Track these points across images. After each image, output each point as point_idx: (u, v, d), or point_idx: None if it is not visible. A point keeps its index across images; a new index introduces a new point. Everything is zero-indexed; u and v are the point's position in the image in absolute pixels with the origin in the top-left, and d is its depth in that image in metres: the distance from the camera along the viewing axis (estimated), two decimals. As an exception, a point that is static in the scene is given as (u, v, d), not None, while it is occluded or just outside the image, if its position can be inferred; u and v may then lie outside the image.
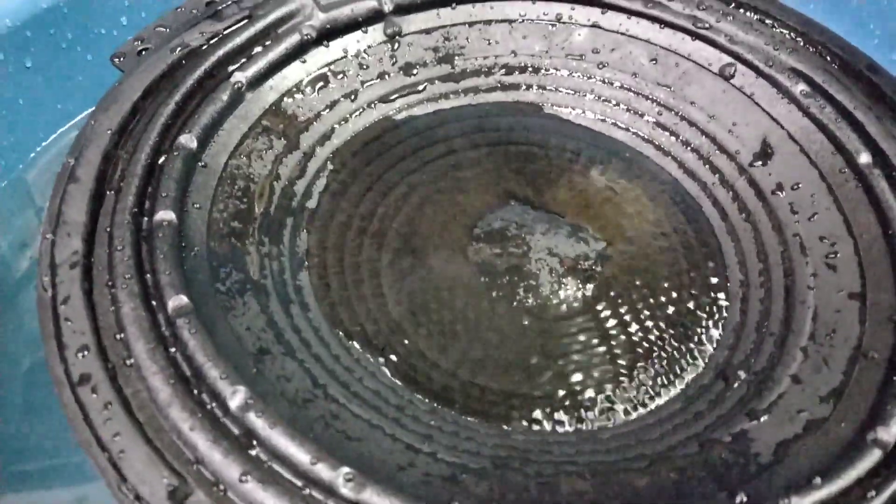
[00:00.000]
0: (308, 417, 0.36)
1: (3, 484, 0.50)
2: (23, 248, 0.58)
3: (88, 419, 0.33)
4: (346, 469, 0.32)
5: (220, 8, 0.51)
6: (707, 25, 0.52)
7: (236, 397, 0.33)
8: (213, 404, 0.34)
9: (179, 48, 0.48)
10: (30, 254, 0.58)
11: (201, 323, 0.36)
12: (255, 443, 0.33)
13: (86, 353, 0.35)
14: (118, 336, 0.36)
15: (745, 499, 0.33)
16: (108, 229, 0.40)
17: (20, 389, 0.54)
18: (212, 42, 0.49)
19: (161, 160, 0.43)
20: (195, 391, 0.34)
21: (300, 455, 0.32)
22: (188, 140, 0.44)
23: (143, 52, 0.49)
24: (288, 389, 0.38)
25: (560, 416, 0.41)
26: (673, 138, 0.53)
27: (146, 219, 0.40)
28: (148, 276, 0.38)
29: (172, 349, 0.35)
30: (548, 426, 0.41)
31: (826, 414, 0.38)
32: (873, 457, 0.34)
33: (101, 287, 0.38)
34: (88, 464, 0.34)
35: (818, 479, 0.33)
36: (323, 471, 0.32)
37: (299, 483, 0.32)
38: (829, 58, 0.51)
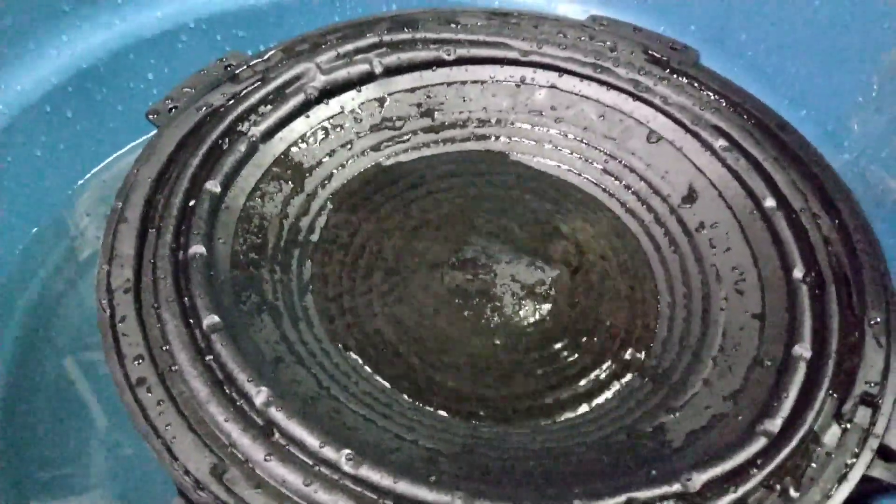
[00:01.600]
0: (316, 412, 0.45)
1: (27, 491, 0.57)
2: (58, 272, 0.66)
3: (146, 414, 0.41)
4: (347, 451, 0.40)
5: (237, 72, 0.60)
6: (646, 88, 0.61)
7: (260, 396, 0.42)
8: (242, 401, 0.42)
9: (204, 107, 0.56)
10: (65, 276, 0.66)
11: (230, 337, 0.45)
12: (275, 431, 0.41)
13: (140, 361, 0.43)
14: (164, 347, 0.44)
15: (655, 473, 0.42)
16: (152, 261, 0.48)
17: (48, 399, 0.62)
18: (231, 102, 0.57)
19: (192, 203, 0.51)
20: (227, 391, 0.43)
21: (311, 440, 0.41)
22: (213, 185, 0.52)
23: (173, 110, 0.57)
24: (299, 390, 0.46)
25: (519, 413, 0.50)
26: (617, 182, 0.62)
27: (182, 252, 0.49)
28: (185, 299, 0.46)
29: (208, 357, 0.44)
30: (508, 422, 0.50)
31: (727, 410, 0.47)
32: (760, 443, 0.43)
33: (149, 308, 0.46)
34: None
35: (715, 460, 0.42)
36: (329, 452, 0.40)
37: (310, 462, 0.40)
38: (745, 116, 0.60)
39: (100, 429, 0.59)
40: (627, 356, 0.53)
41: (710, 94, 0.61)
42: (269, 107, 0.58)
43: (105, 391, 0.60)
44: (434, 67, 0.63)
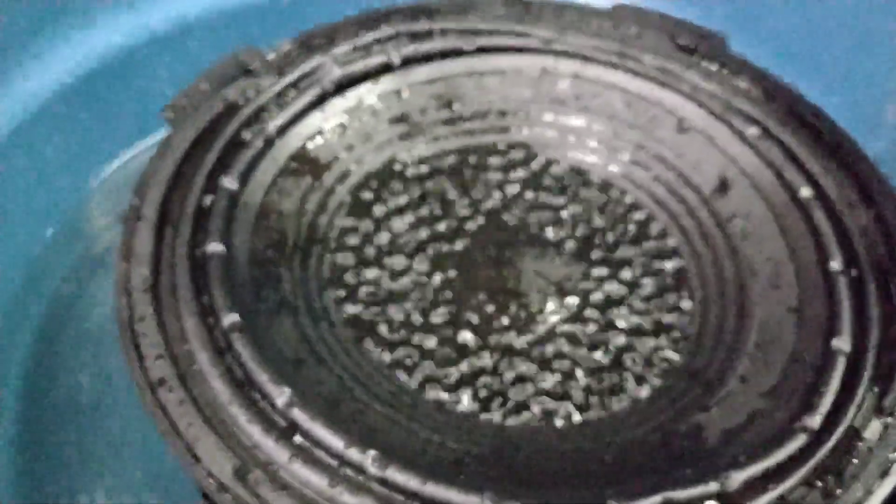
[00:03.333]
0: (339, 413, 0.44)
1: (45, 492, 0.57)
2: (74, 272, 0.66)
3: (167, 413, 0.40)
4: (373, 452, 0.39)
5: (251, 67, 0.58)
6: (674, 75, 0.60)
7: (282, 397, 0.41)
8: (264, 402, 0.41)
9: (220, 103, 0.55)
10: (81, 276, 0.66)
11: (250, 336, 0.44)
12: (298, 432, 0.40)
13: (161, 360, 0.42)
14: (184, 347, 0.43)
15: (692, 472, 0.41)
16: (170, 259, 0.47)
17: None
18: (246, 97, 0.56)
19: (209, 200, 0.50)
20: (248, 392, 0.42)
21: (336, 442, 0.39)
22: (230, 182, 0.51)
23: (188, 107, 0.56)
24: (322, 391, 0.45)
25: (549, 414, 0.49)
26: (646, 172, 0.60)
27: (200, 249, 0.48)
28: (204, 297, 0.45)
29: (228, 357, 0.43)
30: (539, 422, 0.48)
31: (765, 407, 0.46)
32: (800, 440, 0.42)
33: (167, 307, 0.45)
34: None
35: (754, 458, 0.41)
36: (354, 454, 0.39)
37: (335, 463, 0.39)
38: (777, 104, 0.58)
39: (118, 429, 0.58)
40: (660, 353, 0.51)
41: (741, 81, 0.60)
42: (284, 101, 0.57)
43: (121, 391, 0.59)
44: (453, 57, 0.62)
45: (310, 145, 0.58)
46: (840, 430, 0.42)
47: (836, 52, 0.61)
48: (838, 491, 0.40)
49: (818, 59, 0.61)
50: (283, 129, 0.56)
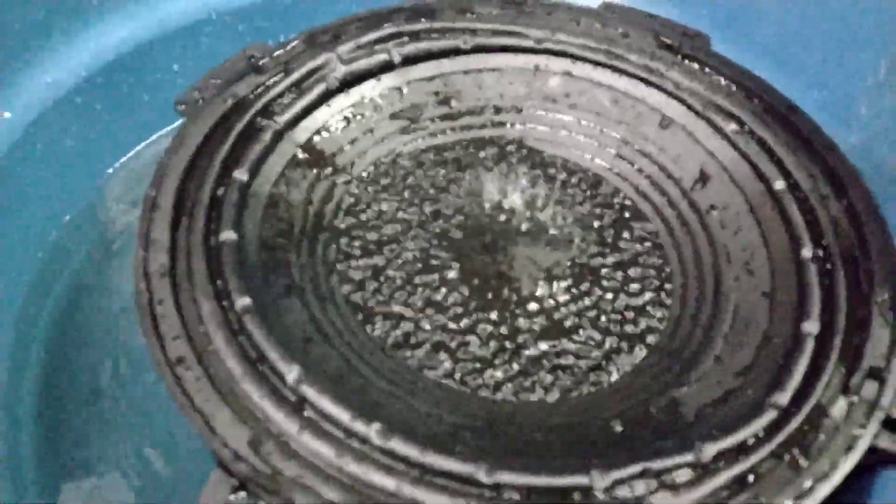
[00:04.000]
0: (345, 388, 0.47)
1: (63, 471, 0.59)
2: (90, 258, 0.69)
3: (185, 390, 0.44)
4: (377, 424, 0.42)
5: (261, 63, 0.62)
6: (658, 73, 0.63)
7: (292, 374, 0.44)
8: (275, 378, 0.45)
9: (230, 98, 0.58)
10: (97, 261, 0.69)
11: (261, 318, 0.47)
12: (307, 406, 0.44)
13: (178, 340, 0.46)
14: (200, 329, 0.47)
15: (669, 444, 0.44)
16: (186, 246, 0.50)
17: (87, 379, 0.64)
18: (255, 93, 0.59)
19: (221, 191, 0.53)
20: (260, 369, 0.45)
21: (342, 415, 0.43)
22: (241, 174, 0.54)
23: (201, 101, 0.59)
24: (328, 368, 0.48)
25: (538, 390, 0.52)
26: (630, 166, 0.64)
27: (214, 237, 0.51)
28: (219, 282, 0.48)
29: (241, 338, 0.46)
30: (528, 397, 0.52)
31: (738, 385, 0.49)
32: (770, 415, 0.45)
33: (184, 291, 0.48)
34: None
35: (726, 432, 0.44)
36: (359, 426, 0.42)
37: (342, 435, 0.43)
38: (756, 100, 0.61)
39: (136, 404, 0.61)
40: (642, 334, 0.55)
41: (722, 78, 0.63)
42: (292, 97, 0.60)
43: (138, 367, 0.63)
44: (451, 56, 0.65)
45: (316, 138, 0.61)
46: (807, 408, 0.45)
47: (815, 51, 0.64)
48: (805, 463, 0.44)
49: (797, 58, 0.64)
50: (290, 124, 0.59)
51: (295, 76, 0.61)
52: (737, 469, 0.43)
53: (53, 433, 0.60)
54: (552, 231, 0.60)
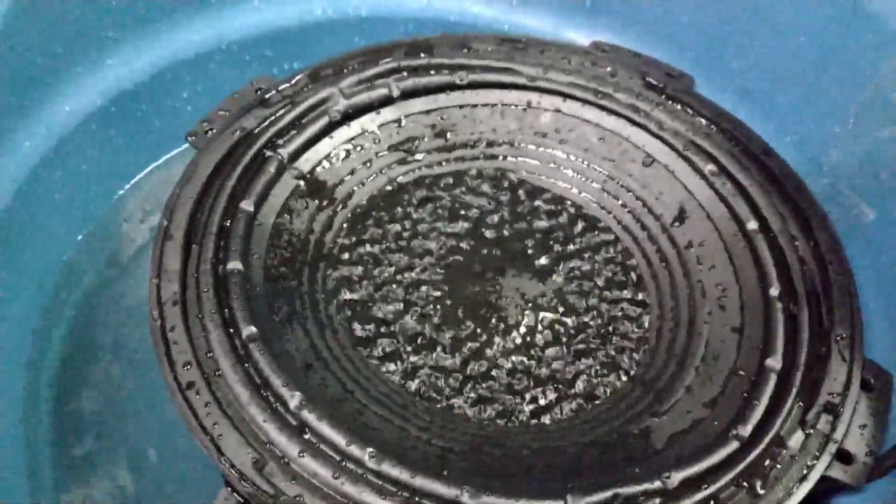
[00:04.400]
0: (342, 413, 0.51)
1: (75, 468, 0.63)
2: (102, 276, 0.73)
3: (195, 413, 0.47)
4: (370, 449, 0.46)
5: (266, 96, 0.65)
6: (643, 113, 0.66)
7: (294, 399, 0.48)
8: (278, 404, 0.48)
9: (238, 131, 0.62)
10: (109, 279, 0.72)
11: (265, 345, 0.50)
12: (307, 430, 0.47)
13: (189, 367, 0.49)
14: (209, 354, 0.50)
15: (639, 471, 0.48)
16: (196, 275, 0.54)
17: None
18: (261, 125, 0.62)
19: (229, 221, 0.57)
20: (265, 394, 0.49)
21: (339, 439, 0.46)
22: (247, 205, 0.58)
23: (209, 132, 0.62)
24: (327, 393, 0.52)
25: (521, 415, 0.56)
26: (615, 201, 0.67)
27: (222, 266, 0.54)
28: (226, 311, 0.52)
29: (247, 364, 0.50)
30: (512, 422, 0.56)
31: (706, 415, 0.53)
32: (732, 446, 0.48)
33: (194, 318, 0.52)
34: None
35: (692, 461, 0.48)
36: (355, 450, 0.46)
37: (338, 458, 0.46)
38: (734, 142, 0.65)
39: (143, 423, 0.65)
40: (620, 363, 0.59)
41: (703, 119, 0.67)
42: (296, 130, 0.63)
43: (146, 375, 0.67)
44: (447, 91, 0.68)
45: (318, 169, 0.64)
46: (767, 439, 0.49)
47: (791, 95, 0.67)
48: (762, 491, 0.48)
49: (774, 100, 0.68)
50: (294, 156, 0.63)
51: (299, 109, 0.64)
52: (699, 496, 0.47)
53: (66, 432, 0.64)
54: (539, 262, 0.64)
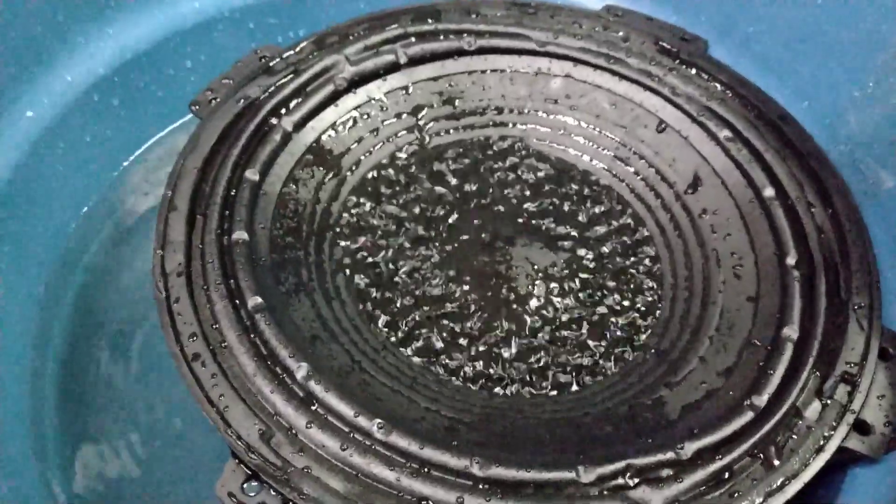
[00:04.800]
0: (349, 384, 0.50)
1: (80, 436, 0.63)
2: (107, 247, 0.72)
3: (201, 385, 0.47)
4: (378, 420, 0.45)
5: (271, 64, 0.64)
6: (656, 78, 0.65)
7: (301, 370, 0.47)
8: (284, 375, 0.48)
9: (242, 100, 0.60)
10: (114, 250, 0.72)
11: (272, 316, 0.50)
12: (314, 402, 0.47)
13: (195, 338, 0.49)
14: (214, 326, 0.49)
15: (652, 442, 0.47)
16: (201, 246, 0.53)
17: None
18: (266, 94, 0.61)
19: (234, 191, 0.56)
20: (271, 366, 0.48)
21: (346, 410, 0.46)
22: (252, 174, 0.57)
23: (213, 102, 0.61)
24: (334, 364, 0.51)
25: (532, 386, 0.55)
26: (627, 168, 0.66)
27: (227, 237, 0.53)
28: (231, 281, 0.51)
29: (253, 335, 0.49)
30: (523, 393, 0.55)
31: (720, 385, 0.52)
32: (747, 416, 0.48)
33: (199, 290, 0.51)
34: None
35: (706, 431, 0.47)
36: (362, 421, 0.45)
37: (346, 429, 0.46)
38: (749, 107, 0.63)
39: (151, 395, 0.65)
40: (633, 334, 0.58)
41: (717, 84, 0.65)
42: (301, 98, 0.62)
43: (150, 347, 0.67)
44: (455, 57, 0.67)
45: (324, 138, 0.63)
46: (783, 410, 0.48)
47: (808, 60, 0.65)
48: (777, 462, 0.47)
49: (791, 65, 0.66)
50: (299, 124, 0.62)
51: (304, 77, 0.63)
52: (714, 466, 0.46)
53: (73, 405, 0.64)
54: (550, 232, 0.63)
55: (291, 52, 0.65)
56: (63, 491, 0.60)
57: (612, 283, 0.60)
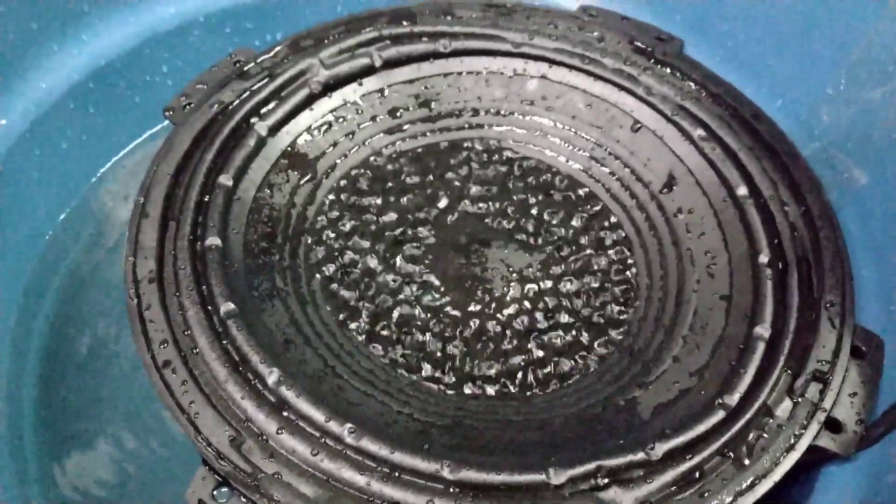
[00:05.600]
0: (321, 389, 0.50)
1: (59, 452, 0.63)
2: (85, 253, 0.72)
3: (172, 392, 0.47)
4: (349, 424, 0.45)
5: (245, 69, 0.64)
6: (631, 78, 0.65)
7: (272, 376, 0.47)
8: (256, 381, 0.48)
9: (216, 105, 0.61)
10: (92, 256, 0.72)
11: (244, 322, 0.50)
12: (286, 407, 0.47)
13: (166, 345, 0.49)
14: (186, 332, 0.49)
15: (623, 443, 0.47)
16: (173, 252, 0.53)
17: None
18: (240, 99, 0.61)
19: (207, 197, 0.56)
20: (243, 372, 0.48)
21: (317, 416, 0.46)
22: (226, 179, 0.57)
23: (187, 107, 0.61)
24: (307, 369, 0.51)
25: (505, 388, 0.55)
26: (603, 168, 0.66)
27: (199, 243, 0.53)
28: (204, 287, 0.51)
29: (224, 342, 0.49)
30: (496, 395, 0.55)
31: (693, 385, 0.52)
32: (718, 416, 0.48)
33: (171, 296, 0.51)
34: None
35: (677, 431, 0.47)
36: (333, 426, 0.46)
37: (317, 434, 0.46)
38: (723, 106, 0.63)
39: (128, 400, 0.65)
40: (607, 334, 0.58)
41: (692, 83, 0.65)
42: (276, 102, 0.62)
43: (127, 349, 0.66)
44: (431, 59, 0.67)
45: (299, 142, 0.63)
46: (754, 408, 0.48)
47: (780, 59, 0.65)
48: (748, 462, 0.47)
49: (765, 63, 0.66)
50: (274, 129, 0.62)
51: (278, 81, 0.63)
52: (684, 466, 0.46)
53: (51, 410, 0.64)
54: (525, 233, 0.63)
55: (266, 55, 0.65)
56: (42, 498, 0.60)
57: (586, 284, 0.60)
